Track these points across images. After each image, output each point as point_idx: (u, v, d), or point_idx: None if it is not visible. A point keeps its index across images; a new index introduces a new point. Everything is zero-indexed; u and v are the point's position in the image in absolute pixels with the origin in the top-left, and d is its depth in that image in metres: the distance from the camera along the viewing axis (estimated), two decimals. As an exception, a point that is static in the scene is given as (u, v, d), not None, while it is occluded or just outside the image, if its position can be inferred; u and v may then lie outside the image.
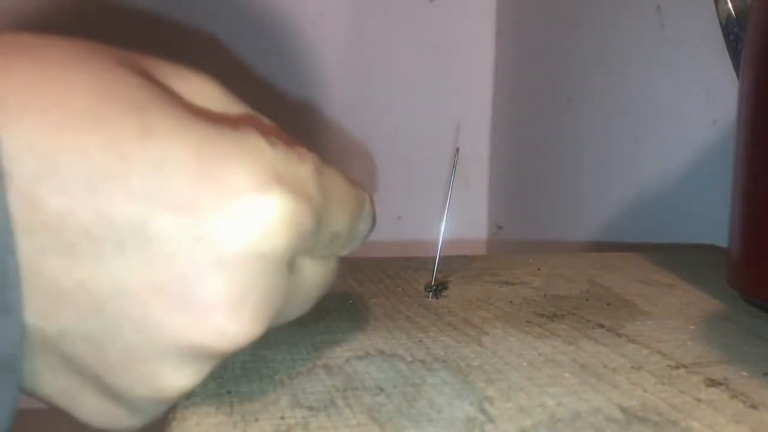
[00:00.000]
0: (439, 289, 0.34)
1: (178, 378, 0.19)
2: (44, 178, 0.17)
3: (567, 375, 0.23)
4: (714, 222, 0.51)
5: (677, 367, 0.24)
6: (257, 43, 0.87)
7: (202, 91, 0.21)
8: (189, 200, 0.18)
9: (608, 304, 0.32)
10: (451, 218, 0.36)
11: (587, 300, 0.33)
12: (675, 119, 0.57)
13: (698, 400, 0.21)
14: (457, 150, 0.37)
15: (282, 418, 0.19)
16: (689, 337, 0.27)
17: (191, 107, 0.20)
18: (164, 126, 0.18)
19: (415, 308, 0.31)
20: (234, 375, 0.23)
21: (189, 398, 0.21)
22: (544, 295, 0.34)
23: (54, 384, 0.19)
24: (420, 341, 0.26)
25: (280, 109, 0.89)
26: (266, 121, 0.23)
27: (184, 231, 0.18)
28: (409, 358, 0.24)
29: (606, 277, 0.38)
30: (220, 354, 0.19)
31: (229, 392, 0.21)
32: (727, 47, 0.48)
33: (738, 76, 0.37)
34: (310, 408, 0.20)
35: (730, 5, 0.47)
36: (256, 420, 0.19)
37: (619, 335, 0.27)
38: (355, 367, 0.24)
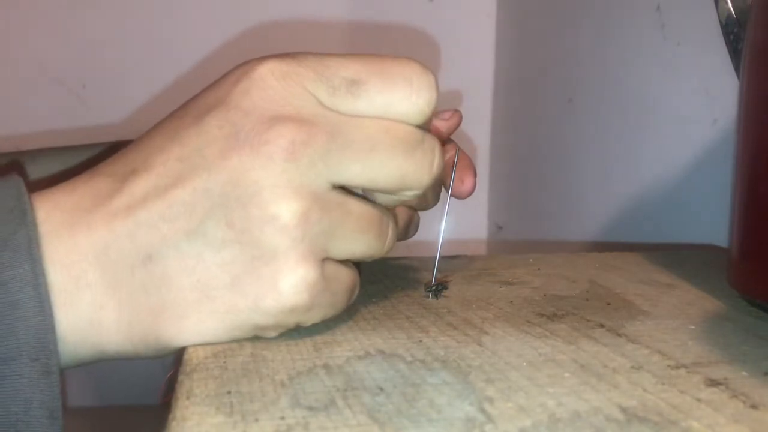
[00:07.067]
0: (439, 289, 0.34)
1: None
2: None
3: (567, 375, 0.23)
4: (714, 222, 0.51)
5: (677, 367, 0.24)
6: (257, 42, 0.87)
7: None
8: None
9: (608, 304, 0.32)
10: (451, 218, 0.36)
11: (587, 300, 0.33)
12: (675, 119, 0.57)
13: (698, 400, 0.21)
14: (458, 150, 0.37)
15: (282, 418, 0.19)
16: (689, 337, 0.27)
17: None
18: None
19: (415, 308, 0.31)
20: (234, 375, 0.23)
21: (189, 398, 0.21)
22: (544, 295, 0.34)
23: None
24: (420, 341, 0.26)
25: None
26: None
27: None
28: (409, 358, 0.24)
29: (606, 277, 0.38)
30: None
31: (229, 392, 0.21)
32: (727, 47, 0.48)
33: (738, 76, 0.37)
34: (310, 408, 0.20)
35: (730, 5, 0.47)
36: (256, 420, 0.19)
37: (619, 335, 0.27)
38: (355, 367, 0.24)
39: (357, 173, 0.25)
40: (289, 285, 0.24)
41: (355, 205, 0.26)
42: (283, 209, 0.23)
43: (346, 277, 0.27)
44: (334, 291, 0.26)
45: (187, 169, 0.24)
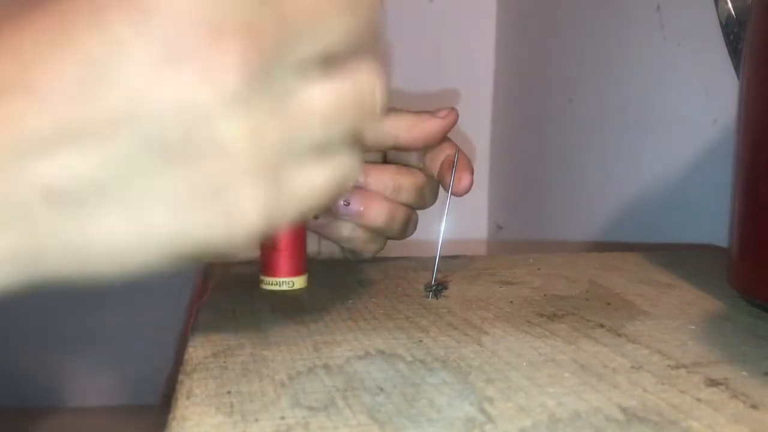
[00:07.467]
0: (439, 289, 0.34)
1: None
2: None
3: (567, 375, 0.23)
4: (714, 222, 0.51)
5: (677, 367, 0.24)
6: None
7: None
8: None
9: (608, 304, 0.32)
10: (451, 218, 0.36)
11: (587, 300, 0.33)
12: (675, 119, 0.57)
13: (698, 400, 0.21)
14: (458, 150, 0.37)
15: (282, 418, 0.19)
16: (689, 337, 0.27)
17: None
18: None
19: (415, 308, 0.31)
20: (234, 375, 0.23)
21: (189, 398, 0.21)
22: (544, 295, 0.34)
23: None
24: (420, 341, 0.26)
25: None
26: None
27: None
28: (409, 358, 0.24)
29: (606, 277, 0.38)
30: None
31: (229, 392, 0.21)
32: (727, 47, 0.48)
33: (738, 76, 0.37)
34: (310, 408, 0.20)
35: (730, 5, 0.47)
36: (256, 420, 0.19)
37: (619, 335, 0.27)
38: (355, 367, 0.24)
39: (309, 51, 0.22)
40: (247, 215, 0.21)
41: (315, 91, 0.22)
42: (236, 134, 0.20)
43: (316, 181, 0.23)
44: (303, 199, 0.23)
45: (95, 90, 0.19)
